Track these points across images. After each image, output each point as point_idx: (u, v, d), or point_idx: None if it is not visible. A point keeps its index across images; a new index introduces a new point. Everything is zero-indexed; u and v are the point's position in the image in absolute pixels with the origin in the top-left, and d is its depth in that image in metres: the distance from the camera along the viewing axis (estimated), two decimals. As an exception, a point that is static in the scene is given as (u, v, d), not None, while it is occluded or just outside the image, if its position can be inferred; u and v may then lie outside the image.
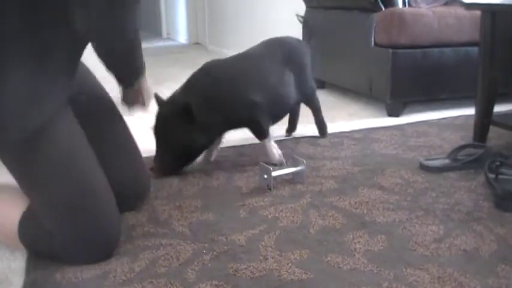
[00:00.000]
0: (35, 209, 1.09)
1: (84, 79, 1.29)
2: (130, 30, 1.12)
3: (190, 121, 1.51)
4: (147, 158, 1.74)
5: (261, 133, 1.66)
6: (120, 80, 1.27)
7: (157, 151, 1.58)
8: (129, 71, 1.25)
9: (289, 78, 1.75)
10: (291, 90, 1.76)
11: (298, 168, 1.52)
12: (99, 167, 1.13)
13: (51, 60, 1.05)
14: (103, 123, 1.28)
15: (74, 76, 1.15)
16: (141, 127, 1.68)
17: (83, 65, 1.29)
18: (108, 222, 1.09)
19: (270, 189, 1.45)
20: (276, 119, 1.77)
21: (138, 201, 1.34)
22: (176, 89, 1.61)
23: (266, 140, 1.67)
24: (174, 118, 1.53)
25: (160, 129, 1.56)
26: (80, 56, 1.16)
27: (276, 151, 1.68)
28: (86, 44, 1.14)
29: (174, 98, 1.59)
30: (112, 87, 1.33)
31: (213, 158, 1.75)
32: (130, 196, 1.29)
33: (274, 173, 1.46)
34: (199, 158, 1.71)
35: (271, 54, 1.75)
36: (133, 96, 1.33)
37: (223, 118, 1.58)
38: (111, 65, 1.18)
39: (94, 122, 1.23)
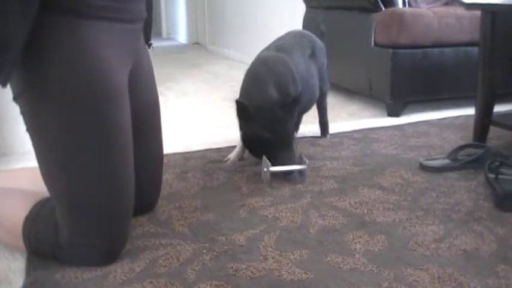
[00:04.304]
0: (49, 201, 1.07)
1: (151, 78, 1.28)
2: None
3: (293, 111, 1.54)
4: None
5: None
6: None
7: (277, 152, 1.52)
8: None
9: (315, 72, 1.80)
10: (317, 83, 1.80)
11: (298, 166, 1.53)
12: (133, 171, 1.11)
13: None
14: (147, 127, 1.26)
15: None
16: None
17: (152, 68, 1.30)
18: (121, 226, 1.08)
19: (266, 181, 1.50)
20: (303, 111, 1.81)
21: (149, 209, 1.34)
22: (243, 84, 1.60)
23: None
24: (287, 110, 1.52)
25: (276, 126, 1.51)
26: None
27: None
28: None
29: (265, 94, 1.55)
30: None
31: (245, 154, 1.76)
32: (145, 206, 1.31)
33: (272, 168, 1.49)
34: (233, 155, 1.74)
35: (301, 46, 1.78)
36: None
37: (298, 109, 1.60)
38: None
39: (141, 123, 1.20)
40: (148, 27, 1.30)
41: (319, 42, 1.90)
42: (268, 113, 1.51)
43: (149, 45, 1.33)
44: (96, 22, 1.03)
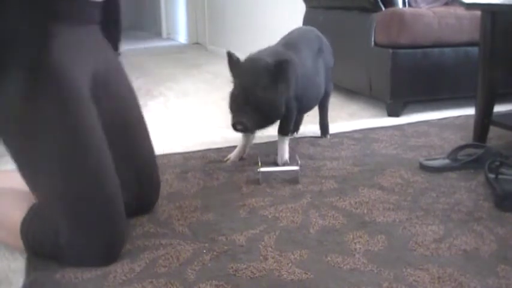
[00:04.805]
0: (44, 204, 1.08)
1: (122, 81, 1.30)
2: None
3: (280, 79, 1.50)
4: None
5: (287, 128, 1.68)
6: None
7: (239, 108, 1.52)
8: None
9: (322, 69, 1.80)
10: (323, 81, 1.80)
11: (289, 168, 1.55)
12: (114, 169, 1.11)
13: None
14: (132, 130, 1.27)
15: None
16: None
17: (124, 71, 1.32)
18: (116, 225, 1.08)
19: (261, 182, 1.51)
20: (307, 109, 1.80)
21: (149, 208, 1.34)
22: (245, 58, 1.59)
23: (285, 137, 1.69)
24: (264, 72, 1.50)
25: (248, 83, 1.51)
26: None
27: (287, 152, 1.69)
28: None
29: (258, 55, 1.57)
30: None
31: (245, 154, 1.76)
32: (145, 205, 1.31)
33: (262, 169, 1.52)
34: (233, 154, 1.73)
35: (309, 42, 1.78)
36: None
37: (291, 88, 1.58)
38: None
39: (119, 128, 1.21)
40: (116, 35, 1.31)
41: (325, 40, 1.90)
42: (255, 69, 1.52)
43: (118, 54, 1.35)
44: (59, 26, 1.07)
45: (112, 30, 1.29)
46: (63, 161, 1.03)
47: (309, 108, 1.82)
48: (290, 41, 1.75)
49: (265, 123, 1.56)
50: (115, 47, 1.32)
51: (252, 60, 1.56)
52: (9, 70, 1.02)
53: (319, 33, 1.89)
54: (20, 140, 1.04)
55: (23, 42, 1.04)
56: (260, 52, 1.63)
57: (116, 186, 1.09)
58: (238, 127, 1.50)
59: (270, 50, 1.65)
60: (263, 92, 1.49)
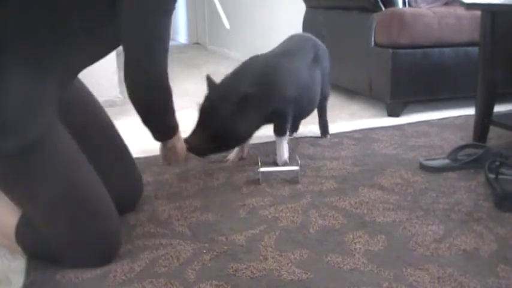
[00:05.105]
0: (30, 217, 1.08)
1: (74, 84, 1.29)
2: (161, 59, 1.11)
3: (242, 110, 1.50)
4: (147, 158, 1.74)
5: (283, 129, 1.68)
6: (155, 134, 1.29)
7: (196, 130, 1.55)
8: (163, 127, 1.28)
9: (318, 77, 1.80)
10: (318, 89, 1.81)
11: (289, 168, 1.56)
12: (94, 172, 1.12)
13: (52, 71, 1.05)
14: (90, 131, 1.27)
15: (68, 86, 1.16)
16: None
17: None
18: (107, 226, 1.08)
19: (261, 182, 1.52)
20: (304, 115, 1.80)
21: (133, 204, 1.35)
22: (226, 74, 1.61)
23: (283, 138, 1.69)
24: (227, 103, 1.50)
25: (209, 111, 1.53)
26: (80, 67, 1.17)
27: (286, 152, 1.69)
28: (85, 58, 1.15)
29: (229, 83, 1.57)
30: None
31: (245, 154, 1.77)
32: (126, 202, 1.31)
33: (262, 169, 1.52)
34: (232, 155, 1.73)
35: (304, 51, 1.78)
36: (168, 154, 1.37)
37: (264, 110, 1.58)
38: (147, 119, 1.20)
39: (81, 130, 1.21)
40: (164, 131, 1.32)
41: (322, 46, 1.90)
42: (209, 102, 1.54)
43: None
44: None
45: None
46: (49, 179, 1.03)
47: (306, 114, 1.82)
48: (284, 50, 1.76)
49: (222, 149, 1.60)
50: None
51: (221, 87, 1.56)
52: None
53: (316, 41, 1.89)
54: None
55: None
56: (248, 65, 1.63)
57: (101, 188, 1.10)
58: (191, 151, 1.53)
59: (258, 63, 1.64)
60: (221, 122, 1.50)
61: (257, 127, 1.63)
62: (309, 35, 1.95)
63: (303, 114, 1.80)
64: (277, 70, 1.63)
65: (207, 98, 1.56)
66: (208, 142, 1.54)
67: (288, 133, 1.70)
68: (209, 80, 1.60)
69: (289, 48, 1.77)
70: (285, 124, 1.67)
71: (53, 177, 1.04)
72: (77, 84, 1.29)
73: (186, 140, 1.50)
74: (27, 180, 1.02)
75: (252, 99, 1.49)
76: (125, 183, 1.29)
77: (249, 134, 1.60)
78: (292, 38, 1.88)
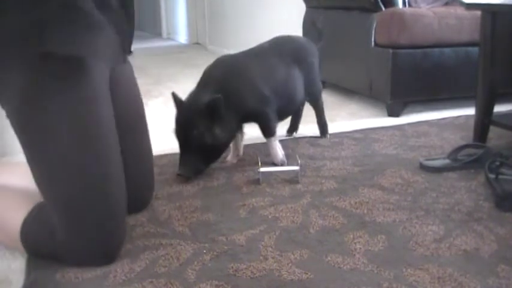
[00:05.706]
0: (46, 203, 1.07)
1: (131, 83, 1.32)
2: None
3: (214, 118, 1.50)
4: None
5: (269, 130, 1.67)
6: None
7: (183, 157, 1.55)
8: None
9: (298, 77, 1.77)
10: (299, 89, 1.78)
11: (289, 168, 1.56)
12: (122, 168, 1.11)
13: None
14: (128, 121, 1.27)
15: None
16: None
17: (133, 74, 1.35)
18: (116, 224, 1.08)
19: (261, 182, 1.52)
20: (283, 116, 1.79)
21: (138, 211, 1.34)
22: (191, 89, 1.61)
23: (272, 139, 1.68)
24: (197, 117, 1.50)
25: (184, 131, 1.53)
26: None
27: (279, 151, 1.69)
28: None
29: (193, 97, 1.57)
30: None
31: (241, 152, 1.77)
32: (139, 204, 1.32)
33: (262, 169, 1.52)
34: (229, 156, 1.73)
35: (281, 51, 1.76)
36: None
37: (237, 112, 1.57)
38: None
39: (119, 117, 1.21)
40: (130, 37, 1.32)
41: (306, 47, 1.86)
42: (180, 122, 1.55)
43: (130, 52, 1.34)
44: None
45: (125, 29, 1.27)
46: (72, 158, 1.03)
47: (287, 113, 1.80)
48: (258, 50, 1.75)
49: (213, 160, 1.61)
50: (128, 46, 1.31)
51: (187, 106, 1.56)
52: (16, 61, 1.03)
53: (298, 42, 1.86)
54: (34, 132, 1.03)
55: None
56: (210, 71, 1.65)
57: (122, 187, 1.10)
58: (181, 179, 1.54)
59: (220, 68, 1.65)
60: (201, 136, 1.50)
61: (238, 128, 1.64)
62: (293, 36, 1.91)
63: (284, 113, 1.78)
64: (243, 70, 1.63)
65: (177, 121, 1.56)
66: (199, 161, 1.55)
67: (276, 133, 1.69)
68: (175, 97, 1.59)
69: (264, 48, 1.77)
70: (269, 124, 1.66)
71: (86, 159, 1.03)
72: (128, 73, 1.32)
73: (180, 174, 1.53)
74: (60, 146, 1.02)
75: (218, 104, 1.49)
76: (138, 189, 1.29)
77: (231, 137, 1.60)
78: (273, 39, 1.86)
